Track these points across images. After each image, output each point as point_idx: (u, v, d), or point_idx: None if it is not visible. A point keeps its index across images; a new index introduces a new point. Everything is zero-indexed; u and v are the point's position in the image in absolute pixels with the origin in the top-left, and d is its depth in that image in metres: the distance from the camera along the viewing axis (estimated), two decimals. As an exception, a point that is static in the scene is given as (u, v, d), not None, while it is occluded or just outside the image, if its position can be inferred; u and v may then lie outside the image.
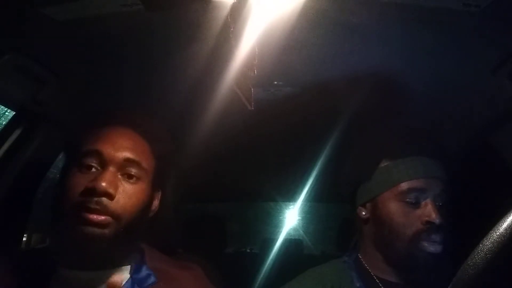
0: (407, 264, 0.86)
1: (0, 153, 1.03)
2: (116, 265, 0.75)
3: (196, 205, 2.45)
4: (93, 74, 1.06)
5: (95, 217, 0.66)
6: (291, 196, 2.18)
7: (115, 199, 0.69)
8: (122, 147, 0.73)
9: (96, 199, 0.67)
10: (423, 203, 0.85)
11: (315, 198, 1.90)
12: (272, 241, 2.36)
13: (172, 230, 1.13)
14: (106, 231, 0.67)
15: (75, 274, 0.72)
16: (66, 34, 0.87)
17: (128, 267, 0.77)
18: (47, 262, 0.73)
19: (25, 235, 1.21)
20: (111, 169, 0.71)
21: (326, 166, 1.35)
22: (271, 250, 2.05)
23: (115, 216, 0.68)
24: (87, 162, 0.71)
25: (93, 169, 0.71)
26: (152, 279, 0.76)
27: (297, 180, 1.67)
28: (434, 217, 0.81)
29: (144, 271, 0.77)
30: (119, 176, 0.72)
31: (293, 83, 1.10)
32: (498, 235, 0.41)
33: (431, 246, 0.82)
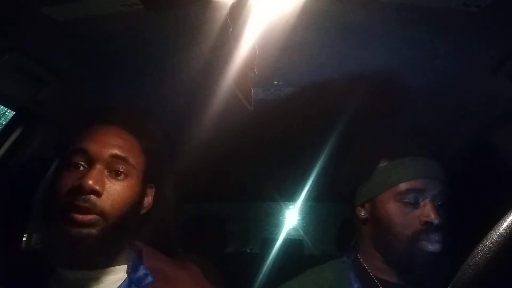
0: (406, 264, 0.86)
1: (0, 153, 1.03)
2: (111, 265, 0.75)
3: (196, 205, 2.45)
4: (93, 74, 1.06)
5: (80, 217, 0.66)
6: (291, 196, 2.18)
7: (103, 197, 0.69)
8: (109, 144, 0.73)
9: (83, 196, 0.67)
10: (421, 203, 0.85)
11: (315, 198, 1.90)
12: (272, 241, 2.36)
13: (172, 230, 1.13)
14: (94, 230, 0.67)
15: (71, 273, 0.72)
16: (66, 34, 0.87)
17: (124, 266, 0.76)
18: (46, 262, 0.73)
19: (25, 235, 1.21)
20: (98, 166, 0.71)
21: (326, 166, 1.35)
22: (271, 250, 2.04)
23: (102, 214, 0.68)
24: (75, 160, 0.71)
25: (81, 168, 0.71)
26: (149, 278, 0.76)
27: (297, 180, 1.67)
28: (432, 217, 0.81)
29: (141, 271, 0.77)
30: (107, 173, 0.72)
31: (293, 83, 1.10)
32: (498, 235, 0.41)
33: (430, 245, 0.82)
